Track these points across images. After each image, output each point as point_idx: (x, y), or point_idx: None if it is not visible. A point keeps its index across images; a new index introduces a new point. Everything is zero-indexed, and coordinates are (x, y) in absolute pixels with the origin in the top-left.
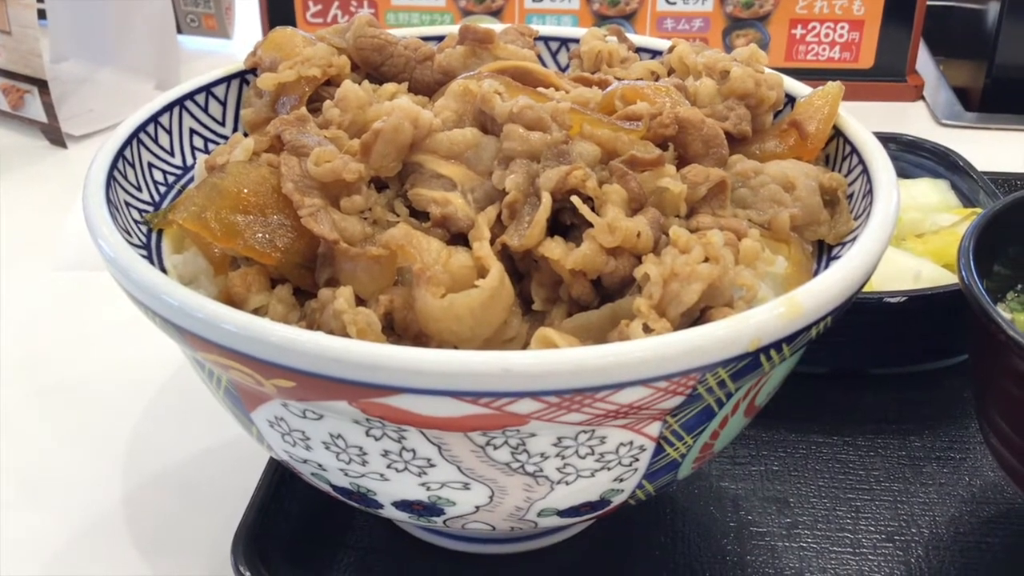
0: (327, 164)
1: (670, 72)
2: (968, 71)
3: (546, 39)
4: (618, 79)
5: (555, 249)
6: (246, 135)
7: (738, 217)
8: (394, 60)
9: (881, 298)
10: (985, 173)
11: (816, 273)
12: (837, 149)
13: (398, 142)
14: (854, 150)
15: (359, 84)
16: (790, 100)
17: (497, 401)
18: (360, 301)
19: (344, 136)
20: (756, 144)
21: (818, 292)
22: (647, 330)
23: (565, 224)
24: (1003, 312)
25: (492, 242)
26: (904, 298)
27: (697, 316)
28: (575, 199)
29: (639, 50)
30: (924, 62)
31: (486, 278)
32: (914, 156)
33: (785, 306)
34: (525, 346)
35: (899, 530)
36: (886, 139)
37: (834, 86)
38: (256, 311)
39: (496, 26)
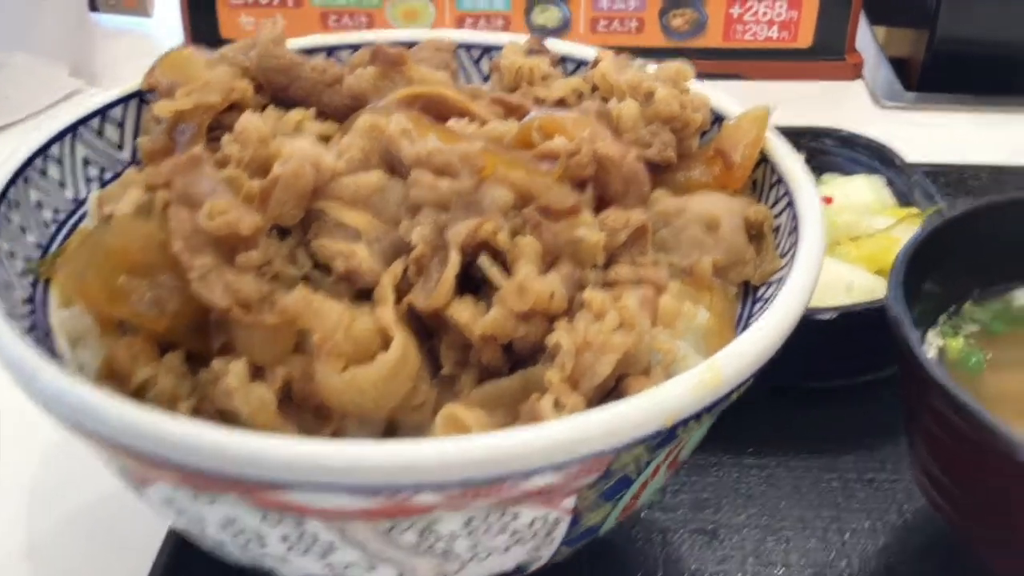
0: (221, 218)
1: (594, 89)
2: (910, 41)
3: (468, 46)
4: (539, 100)
5: (463, 312)
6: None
7: (659, 263)
8: (301, 83)
9: (812, 315)
10: (922, 165)
11: (741, 318)
12: (765, 175)
13: (298, 189)
14: (781, 179)
15: (264, 107)
16: (718, 119)
17: (399, 495)
18: (259, 368)
19: (243, 176)
20: (682, 171)
21: (738, 357)
22: (559, 406)
23: (478, 278)
24: (935, 338)
25: (400, 298)
26: (835, 315)
27: (613, 386)
28: (483, 261)
29: (563, 59)
30: (865, 37)
31: (388, 351)
32: (850, 151)
33: (704, 375)
34: (434, 413)
35: (830, 562)
36: (822, 133)
37: (761, 108)
38: (144, 384)
39: (421, 32)
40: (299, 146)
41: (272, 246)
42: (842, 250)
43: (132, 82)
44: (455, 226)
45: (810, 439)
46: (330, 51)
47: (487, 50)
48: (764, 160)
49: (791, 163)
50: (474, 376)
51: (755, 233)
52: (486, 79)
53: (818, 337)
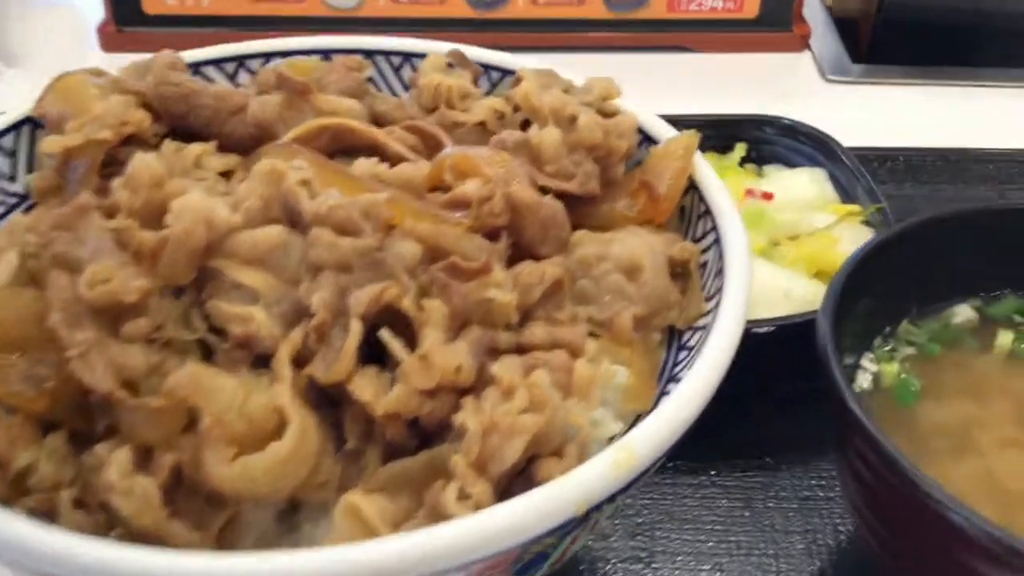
0: (102, 287)
1: (516, 109)
2: (860, 4)
3: (387, 53)
4: (457, 124)
5: (366, 389)
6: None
7: (577, 318)
8: (200, 112)
9: (749, 328)
10: (869, 149)
11: (665, 367)
12: (693, 204)
13: (190, 248)
14: (708, 210)
15: (163, 137)
16: (647, 138)
17: None
18: (148, 450)
19: (134, 227)
20: (606, 203)
21: (653, 435)
22: (463, 497)
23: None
24: (869, 363)
25: (303, 364)
26: (772, 327)
27: (523, 467)
28: (385, 336)
29: (487, 68)
30: (813, 4)
31: (283, 439)
32: (792, 141)
33: (618, 456)
34: (339, 491)
35: None
36: (764, 122)
37: (689, 135)
38: (24, 470)
39: (336, 40)
40: (191, 200)
41: (164, 307)
42: (781, 251)
43: (23, 107)
44: (357, 292)
45: (746, 455)
46: (240, 61)
47: (408, 57)
48: (692, 188)
49: (718, 194)
50: (380, 452)
51: (681, 271)
52: (408, 88)
53: (754, 350)
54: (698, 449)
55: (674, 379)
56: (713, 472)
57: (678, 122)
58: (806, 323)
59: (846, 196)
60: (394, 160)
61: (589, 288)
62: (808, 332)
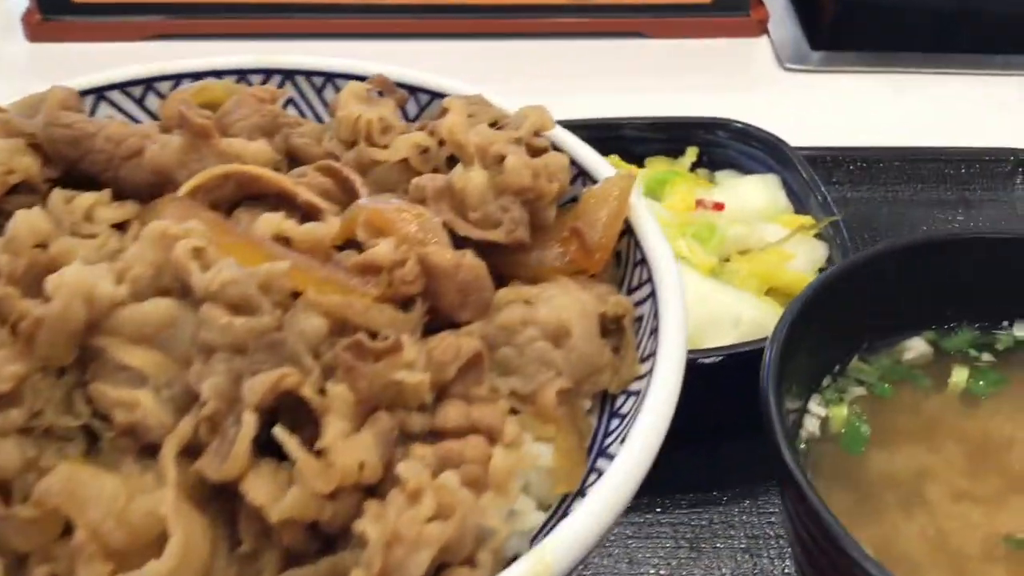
0: None
1: (441, 143)
2: None
3: (308, 73)
4: (375, 162)
5: (260, 489)
6: None
7: (497, 392)
8: (94, 156)
9: (695, 358)
10: (825, 150)
11: (596, 437)
12: (629, 249)
13: (68, 329)
14: (644, 258)
15: (55, 182)
16: (583, 173)
17: None
18: (23, 557)
19: (14, 295)
20: (536, 251)
21: (571, 542)
22: None
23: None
24: (817, 407)
25: (196, 453)
26: (720, 357)
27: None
28: (279, 434)
29: (414, 91)
30: None
31: (164, 555)
32: (744, 145)
33: (535, 568)
34: None
35: None
36: (716, 125)
37: (625, 177)
38: None
39: (253, 59)
40: (70, 274)
41: (43, 391)
42: (732, 267)
43: None
44: (251, 381)
45: (695, 489)
46: (148, 85)
47: (330, 78)
48: (630, 230)
49: (655, 241)
50: (277, 556)
51: (614, 327)
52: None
53: (702, 381)
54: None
55: (605, 453)
56: (659, 509)
57: (626, 125)
58: (755, 353)
59: (799, 204)
60: (305, 209)
61: (512, 357)
62: (757, 361)
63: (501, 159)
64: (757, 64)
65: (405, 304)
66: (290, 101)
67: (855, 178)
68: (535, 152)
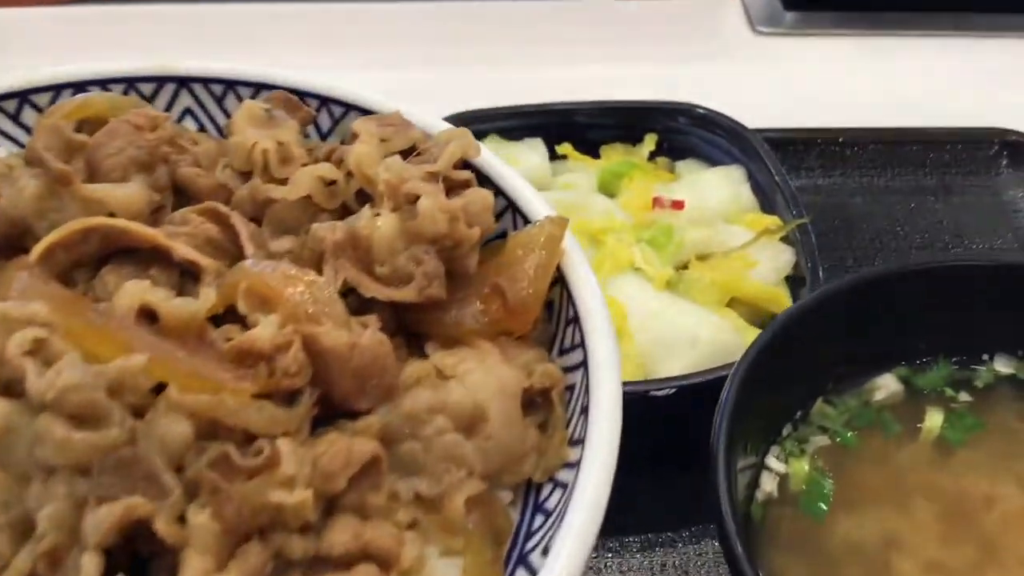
0: None
1: (348, 175)
2: None
3: (206, 81)
4: (270, 200)
5: None
6: None
7: (399, 498)
8: None
9: (646, 392)
10: (792, 131)
11: (518, 535)
12: (561, 303)
13: None
14: (577, 316)
15: None
16: (512, 206)
17: None
18: None
19: None
20: (454, 309)
21: None
22: None
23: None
24: (776, 462)
25: None
26: (672, 390)
27: None
28: None
29: (325, 102)
30: None
31: None
32: (708, 133)
33: None
34: None
35: None
36: (678, 111)
37: (556, 222)
38: None
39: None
40: None
41: None
42: (690, 276)
43: None
44: (94, 514)
45: (646, 528)
46: (23, 98)
47: (231, 85)
48: (559, 282)
49: (590, 299)
50: None
51: (542, 400)
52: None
53: (653, 413)
54: None
55: (526, 562)
56: (609, 552)
57: (580, 110)
58: (712, 383)
59: (765, 200)
60: (183, 265)
61: (417, 453)
62: (713, 390)
63: (415, 200)
64: (726, 27)
65: (290, 396)
66: (187, 112)
67: (827, 163)
68: (456, 186)
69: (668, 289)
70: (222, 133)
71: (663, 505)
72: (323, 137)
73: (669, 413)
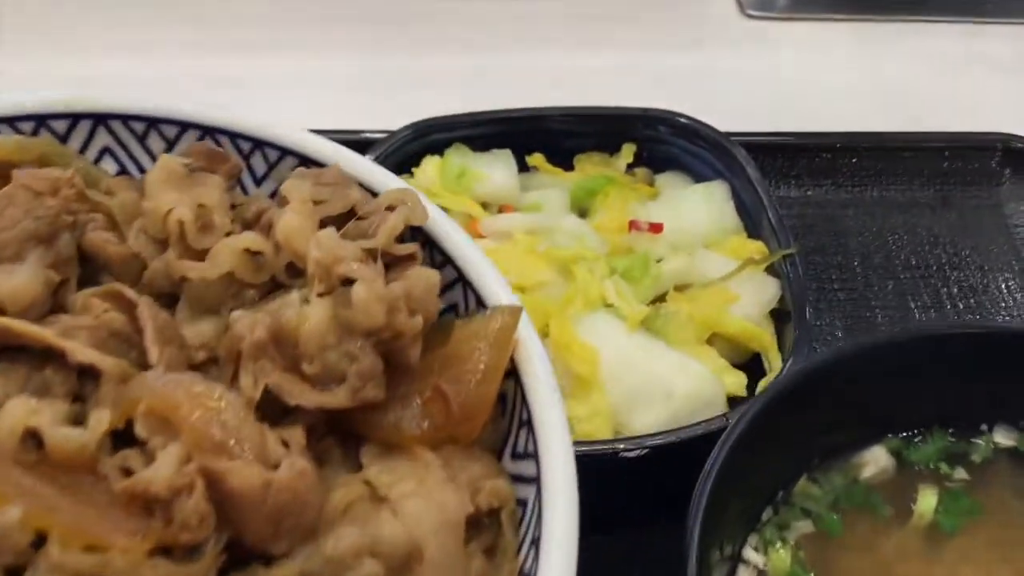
0: None
1: (277, 249)
2: None
3: (126, 118)
4: (184, 279)
5: None
6: None
7: None
8: None
9: (615, 453)
10: (783, 136)
11: None
12: (515, 399)
13: None
14: (530, 419)
15: None
16: (463, 279)
17: None
18: None
19: None
20: (392, 412)
21: None
22: None
23: None
24: (754, 554)
25: None
26: (643, 451)
27: None
28: None
29: (259, 145)
30: None
31: None
32: (690, 144)
33: None
34: None
35: None
36: (659, 119)
37: (510, 312)
38: None
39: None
40: None
41: None
42: (667, 311)
43: None
44: None
45: None
46: None
47: (153, 124)
48: (513, 374)
49: (546, 407)
50: None
51: (489, 521)
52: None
53: (622, 473)
54: None
55: None
56: None
57: (552, 116)
58: (687, 442)
59: (750, 222)
60: (80, 370)
61: None
62: (690, 449)
63: (350, 282)
64: (715, 10)
65: (192, 546)
66: (106, 151)
67: (816, 171)
68: (399, 262)
69: (643, 326)
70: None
71: (632, 569)
72: (258, 182)
73: (640, 471)
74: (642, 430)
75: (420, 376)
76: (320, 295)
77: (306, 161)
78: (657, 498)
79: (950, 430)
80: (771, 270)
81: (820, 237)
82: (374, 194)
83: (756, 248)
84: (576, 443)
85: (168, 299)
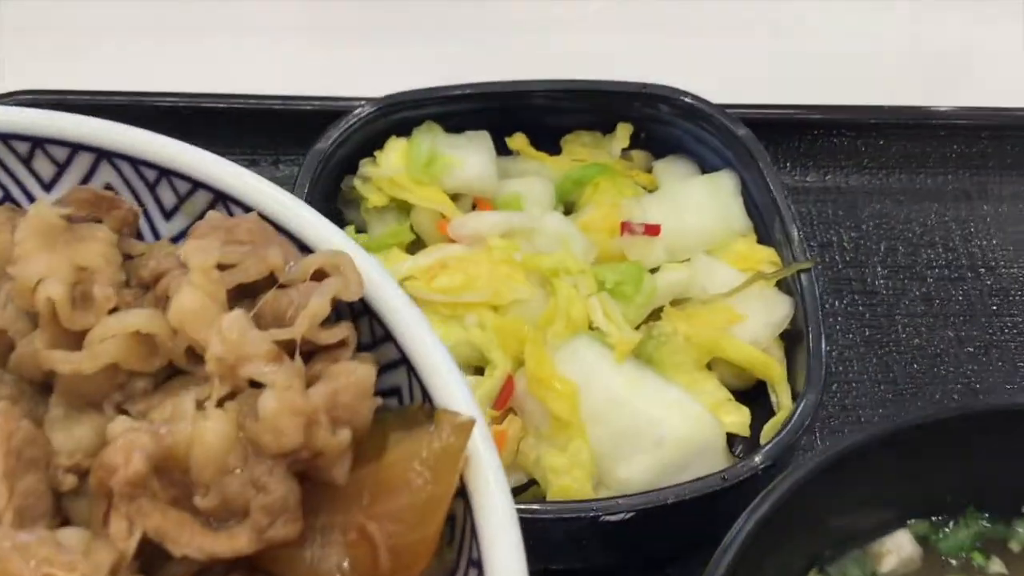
0: None
1: (175, 332)
2: None
3: (6, 136)
4: (59, 384)
5: None
6: None
7: None
8: None
9: (597, 516)
10: (796, 109)
11: None
12: (464, 529)
13: None
14: (480, 563)
15: None
16: (406, 361)
17: None
18: None
19: None
20: (310, 549)
21: None
22: None
23: None
24: None
25: None
26: (628, 514)
27: None
28: None
29: (167, 175)
30: None
31: None
32: (693, 125)
33: None
34: None
35: None
36: (660, 97)
37: (456, 430)
38: None
39: None
40: None
41: None
42: (662, 331)
43: None
44: None
45: None
46: None
47: (38, 144)
48: (464, 496)
49: (501, 543)
50: None
51: None
52: (49, 187)
53: (604, 535)
54: None
55: None
56: None
57: (538, 92)
58: (678, 505)
59: (760, 223)
60: None
61: None
62: (680, 510)
63: (257, 388)
64: None
65: None
66: None
67: (838, 153)
68: (325, 352)
69: (634, 353)
70: (30, 198)
71: None
72: (167, 215)
73: (623, 532)
74: (627, 481)
75: (347, 501)
76: (221, 401)
77: (222, 197)
78: (648, 564)
79: (985, 513)
80: (782, 283)
81: (840, 230)
82: (303, 247)
83: (766, 257)
84: (552, 503)
85: (43, 387)
